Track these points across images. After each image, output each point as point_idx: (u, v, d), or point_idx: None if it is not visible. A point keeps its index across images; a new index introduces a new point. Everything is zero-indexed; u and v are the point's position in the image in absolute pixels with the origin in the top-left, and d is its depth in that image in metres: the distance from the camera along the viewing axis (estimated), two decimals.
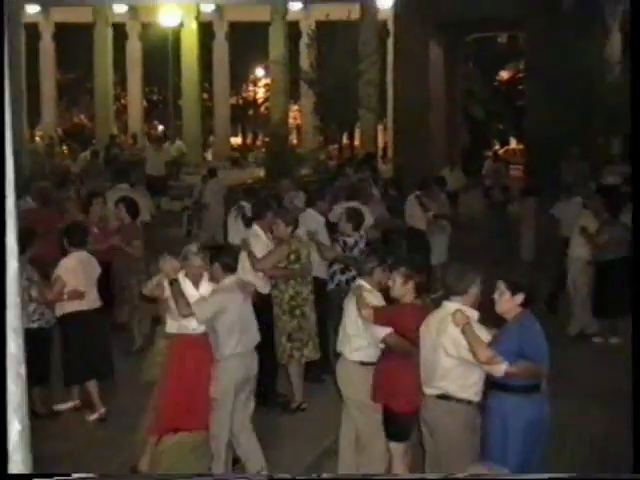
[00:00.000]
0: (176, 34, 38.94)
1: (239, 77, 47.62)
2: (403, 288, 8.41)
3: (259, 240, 11.64)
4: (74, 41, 40.78)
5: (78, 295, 10.83)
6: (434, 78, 28.27)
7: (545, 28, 25.22)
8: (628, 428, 8.04)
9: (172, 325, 9.55)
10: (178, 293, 9.09)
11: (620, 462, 9.82)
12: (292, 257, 11.42)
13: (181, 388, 9.37)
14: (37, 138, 41.79)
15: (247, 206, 13.99)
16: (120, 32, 40.48)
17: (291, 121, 42.33)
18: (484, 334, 7.75)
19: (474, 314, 7.88)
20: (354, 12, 34.37)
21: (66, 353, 11.05)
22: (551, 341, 8.28)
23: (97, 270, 11.44)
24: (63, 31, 40.79)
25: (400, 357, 8.40)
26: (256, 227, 11.85)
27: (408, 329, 8.28)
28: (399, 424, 8.57)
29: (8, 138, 3.91)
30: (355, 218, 12.95)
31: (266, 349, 10.73)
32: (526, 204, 19.08)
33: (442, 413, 7.94)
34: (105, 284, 13.96)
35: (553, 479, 7.40)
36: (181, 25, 38.69)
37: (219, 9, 39.63)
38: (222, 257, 9.36)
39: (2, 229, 3.97)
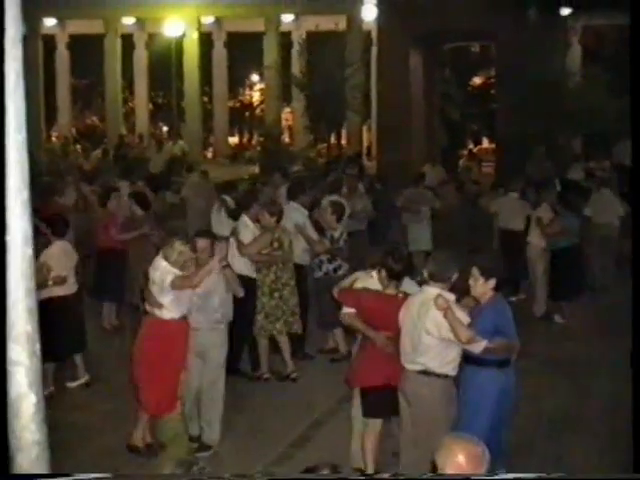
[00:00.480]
0: (179, 43, 38.89)
1: (236, 82, 47.47)
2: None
3: (247, 229, 11.78)
4: (87, 50, 40.75)
5: (61, 280, 10.94)
6: (414, 83, 28.25)
7: (513, 39, 25.26)
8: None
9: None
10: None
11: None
12: (275, 244, 11.58)
13: (165, 373, 9.11)
14: (53, 138, 41.77)
15: (229, 200, 14.09)
16: (128, 42, 40.49)
17: (284, 122, 42.24)
18: (463, 316, 7.80)
19: (451, 297, 7.96)
20: (341, 23, 34.42)
21: (52, 334, 11.05)
22: (519, 322, 8.38)
23: (75, 258, 11.61)
24: (77, 41, 40.95)
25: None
26: (245, 217, 11.95)
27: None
28: (376, 400, 8.53)
29: (12, 138, 3.93)
30: (339, 210, 12.99)
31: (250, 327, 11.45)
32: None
33: (422, 386, 8.01)
34: (121, 270, 14.16)
35: (553, 479, 7.42)
36: (183, 35, 38.63)
37: (218, 21, 39.67)
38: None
39: (2, 229, 3.99)
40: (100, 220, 14.74)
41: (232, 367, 11.15)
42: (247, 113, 52.13)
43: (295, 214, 13.00)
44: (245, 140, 50.85)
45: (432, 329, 7.86)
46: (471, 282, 8.18)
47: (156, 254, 9.44)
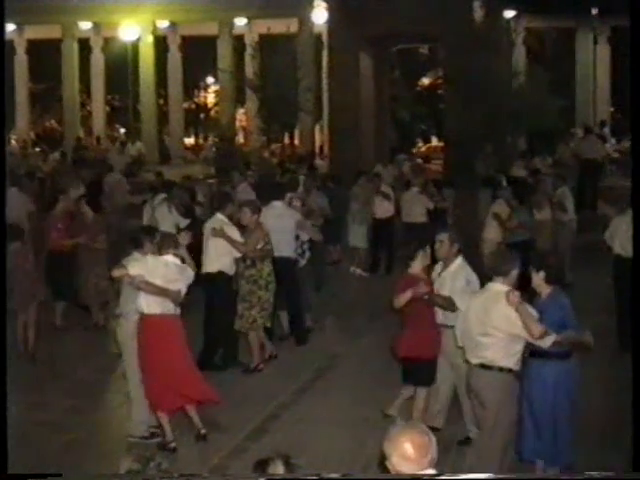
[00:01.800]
0: (135, 47, 38.71)
1: (191, 84, 47.32)
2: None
3: (231, 227, 11.81)
4: (45, 55, 40.49)
5: None
6: (364, 84, 28.24)
7: (460, 41, 25.32)
8: None
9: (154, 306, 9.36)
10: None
11: None
12: (266, 239, 11.85)
13: (168, 370, 9.32)
14: (12, 141, 41.36)
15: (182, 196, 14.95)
16: (85, 46, 40.25)
17: (238, 123, 42.10)
18: (533, 311, 7.84)
19: (517, 294, 7.92)
20: (293, 26, 34.44)
21: None
22: None
23: None
24: (35, 46, 40.66)
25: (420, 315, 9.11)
26: (221, 216, 11.95)
27: None
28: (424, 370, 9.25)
29: None
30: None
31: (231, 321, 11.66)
32: (445, 195, 19.29)
33: (485, 380, 8.00)
34: (70, 271, 14.00)
35: (553, 479, 7.41)
36: (139, 39, 38.45)
37: (173, 25, 39.49)
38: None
39: (2, 228, 3.92)
40: (48, 223, 14.44)
41: (209, 361, 11.53)
42: (202, 115, 52.01)
43: (289, 212, 13.50)
44: (200, 141, 50.67)
45: (501, 324, 7.82)
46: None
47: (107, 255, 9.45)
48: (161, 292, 9.24)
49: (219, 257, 11.70)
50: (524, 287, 14.55)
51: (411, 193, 17.83)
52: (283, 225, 12.90)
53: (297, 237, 13.38)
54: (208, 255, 11.69)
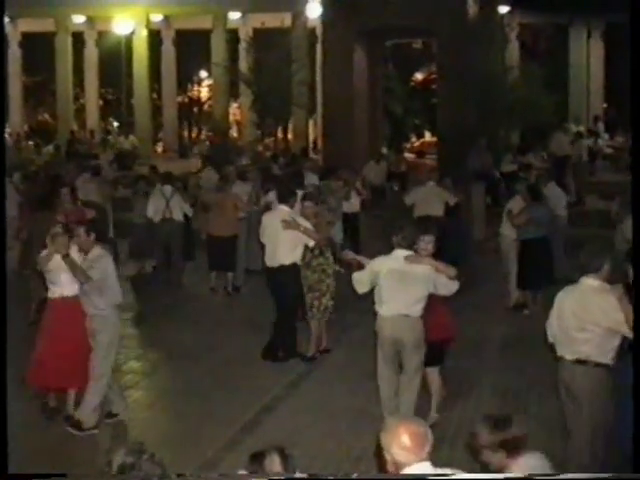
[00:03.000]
0: (128, 41, 38.68)
1: (185, 78, 47.27)
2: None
3: (301, 217, 12.06)
4: (38, 48, 40.43)
5: None
6: (358, 78, 28.24)
7: (454, 36, 25.36)
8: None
9: (55, 291, 9.82)
10: (74, 265, 9.41)
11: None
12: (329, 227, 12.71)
13: (66, 347, 9.66)
14: (6, 135, 41.28)
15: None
16: (79, 40, 40.20)
17: (231, 117, 42.13)
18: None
19: (619, 287, 7.82)
20: (287, 20, 34.42)
21: None
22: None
23: None
24: (28, 39, 40.61)
25: (436, 300, 9.41)
26: (285, 208, 12.20)
27: None
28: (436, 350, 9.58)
29: None
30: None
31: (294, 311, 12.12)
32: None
33: (580, 376, 7.89)
34: None
35: (552, 479, 7.40)
36: (133, 33, 38.41)
37: (167, 18, 39.41)
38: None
39: (2, 228, 3.93)
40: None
41: (274, 353, 11.93)
42: (195, 109, 51.98)
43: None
44: (194, 135, 50.65)
45: (601, 319, 7.69)
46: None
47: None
48: (83, 277, 9.48)
49: (294, 249, 11.90)
50: (537, 286, 14.67)
51: (428, 187, 17.55)
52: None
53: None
54: (283, 247, 11.84)
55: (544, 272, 14.60)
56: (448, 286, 9.36)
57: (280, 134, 40.02)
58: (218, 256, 16.10)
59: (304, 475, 5.13)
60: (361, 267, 9.76)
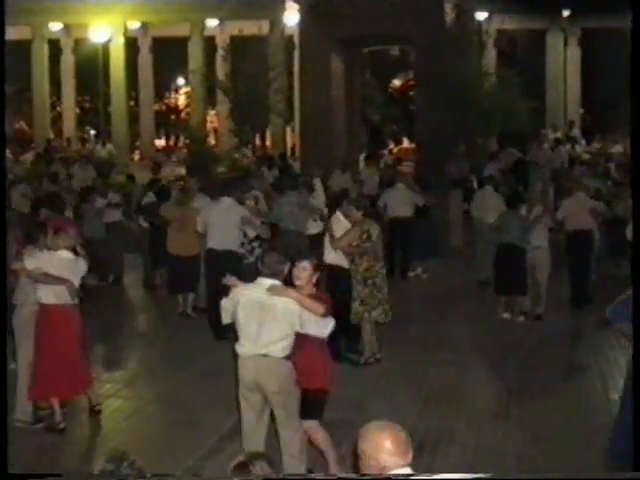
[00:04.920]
0: (105, 48, 38.62)
1: (162, 86, 47.21)
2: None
3: (340, 224, 12.55)
4: (14, 56, 40.25)
5: None
6: (335, 86, 28.29)
7: (431, 43, 25.42)
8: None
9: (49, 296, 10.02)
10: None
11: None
12: (364, 236, 12.26)
13: (58, 356, 9.96)
14: None
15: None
16: (55, 47, 40.14)
17: (209, 125, 42.10)
18: None
19: None
20: (264, 28, 34.48)
21: None
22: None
23: None
24: (4, 47, 40.21)
25: (309, 342, 8.27)
26: (338, 213, 12.81)
27: None
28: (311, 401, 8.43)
29: None
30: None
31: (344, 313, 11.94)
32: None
33: None
34: None
35: (552, 479, 7.45)
36: (110, 40, 38.37)
37: (144, 26, 39.39)
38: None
39: (2, 228, 3.98)
40: None
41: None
42: (173, 116, 51.89)
43: (236, 208, 13.94)
44: (171, 143, 50.58)
45: None
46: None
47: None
48: (58, 282, 9.89)
49: (331, 251, 12.48)
50: (509, 292, 14.82)
51: (397, 189, 18.24)
52: (228, 220, 13.65)
53: (245, 234, 13.86)
54: (326, 248, 12.59)
55: (516, 279, 14.82)
56: (318, 325, 8.14)
57: (258, 142, 40.05)
58: (178, 277, 15.25)
59: (301, 475, 5.17)
60: None
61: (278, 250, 8.98)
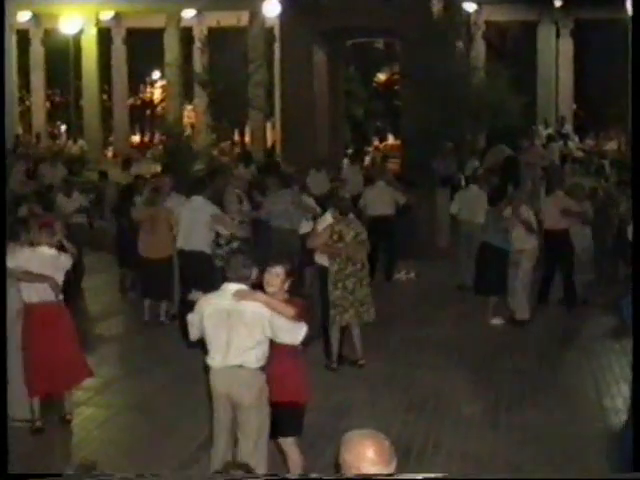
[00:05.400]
0: (77, 40, 38.53)
1: (136, 79, 47.20)
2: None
3: (324, 224, 12.75)
4: None
5: None
6: (318, 80, 28.34)
7: (417, 36, 25.45)
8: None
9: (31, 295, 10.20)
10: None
11: None
12: (335, 237, 12.36)
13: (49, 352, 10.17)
14: None
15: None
16: (23, 38, 39.95)
17: (186, 120, 42.05)
18: None
19: None
20: (243, 19, 34.42)
21: None
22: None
23: None
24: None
25: (283, 351, 8.09)
26: (328, 213, 13.00)
27: None
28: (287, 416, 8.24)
29: None
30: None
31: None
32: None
33: None
34: None
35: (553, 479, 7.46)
36: (81, 31, 38.29)
37: (117, 16, 39.25)
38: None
39: (2, 228, 4.04)
40: None
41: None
42: (148, 111, 51.91)
43: (207, 207, 14.15)
44: (146, 139, 50.56)
45: None
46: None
47: None
48: (40, 280, 10.02)
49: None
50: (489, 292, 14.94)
51: (377, 187, 18.40)
52: (198, 219, 13.85)
53: (217, 233, 13.92)
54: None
55: (499, 278, 14.96)
56: (290, 331, 7.92)
57: (237, 137, 40.07)
58: (150, 282, 15.10)
59: (300, 475, 5.19)
60: None
61: (266, 250, 8.97)
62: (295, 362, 8.22)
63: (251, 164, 24.85)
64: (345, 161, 28.82)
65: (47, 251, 10.21)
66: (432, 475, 4.98)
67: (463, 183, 22.83)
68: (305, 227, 16.23)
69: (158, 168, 28.12)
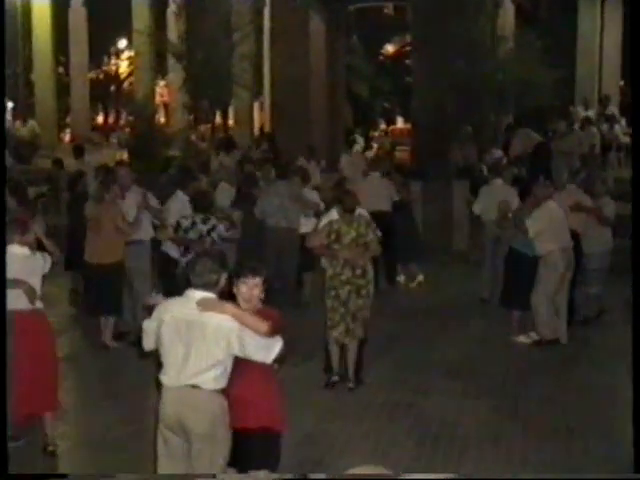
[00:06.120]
0: (26, 3, 38.54)
1: (99, 49, 47.26)
2: None
3: (325, 222, 12.96)
4: None
5: None
6: (314, 52, 28.49)
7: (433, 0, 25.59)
8: None
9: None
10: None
11: None
12: (332, 237, 12.50)
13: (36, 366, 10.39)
14: None
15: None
16: None
17: (158, 98, 42.18)
18: None
19: None
20: None
21: None
22: None
23: None
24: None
25: (256, 370, 8.08)
26: (334, 210, 13.22)
27: None
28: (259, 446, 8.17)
29: None
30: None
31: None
32: (412, 188, 19.75)
33: None
34: None
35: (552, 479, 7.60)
36: None
37: None
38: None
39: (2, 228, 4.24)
40: None
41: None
42: (113, 87, 51.97)
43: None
44: (111, 120, 50.65)
45: None
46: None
47: None
48: (11, 285, 9.79)
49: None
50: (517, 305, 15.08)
51: (371, 179, 18.55)
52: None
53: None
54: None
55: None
56: (263, 348, 7.91)
57: (218, 120, 40.20)
58: (94, 293, 14.90)
59: (301, 475, 5.29)
60: None
61: (259, 252, 8.93)
62: (268, 383, 8.21)
63: (232, 151, 24.92)
64: (355, 146, 28.82)
65: (19, 251, 10.27)
66: (433, 476, 5.10)
67: (486, 174, 22.85)
68: (306, 226, 16.32)
69: (125, 155, 28.31)
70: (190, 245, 13.82)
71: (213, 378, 7.79)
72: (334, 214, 12.94)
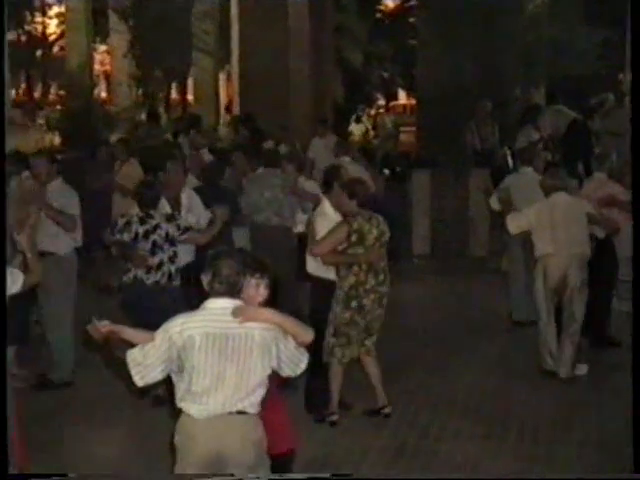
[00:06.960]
0: None
1: (20, 3, 47.30)
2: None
3: (324, 218, 12.88)
4: None
5: None
6: (295, 11, 28.54)
7: None
8: None
9: None
10: None
11: None
12: (353, 238, 12.43)
13: None
14: None
15: None
16: None
17: (97, 67, 42.26)
18: None
19: None
20: None
21: None
22: None
23: None
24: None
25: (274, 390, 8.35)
26: (325, 202, 13.13)
27: None
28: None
29: None
30: None
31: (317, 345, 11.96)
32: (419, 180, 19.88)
33: None
34: None
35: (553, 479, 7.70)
36: None
37: None
38: None
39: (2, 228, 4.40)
40: None
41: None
42: (39, 52, 51.99)
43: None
44: (37, 94, 50.68)
45: None
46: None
47: None
48: None
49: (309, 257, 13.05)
50: None
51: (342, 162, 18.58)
52: None
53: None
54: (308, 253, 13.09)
55: None
56: (296, 362, 8.18)
57: (175, 95, 40.26)
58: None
59: (301, 475, 5.42)
60: None
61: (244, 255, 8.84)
62: (281, 402, 8.71)
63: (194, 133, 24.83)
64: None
65: None
66: (431, 475, 5.26)
67: (510, 161, 22.85)
68: (301, 224, 16.39)
69: (57, 139, 28.33)
70: (120, 249, 13.64)
71: (256, 401, 7.93)
72: (328, 208, 12.91)
